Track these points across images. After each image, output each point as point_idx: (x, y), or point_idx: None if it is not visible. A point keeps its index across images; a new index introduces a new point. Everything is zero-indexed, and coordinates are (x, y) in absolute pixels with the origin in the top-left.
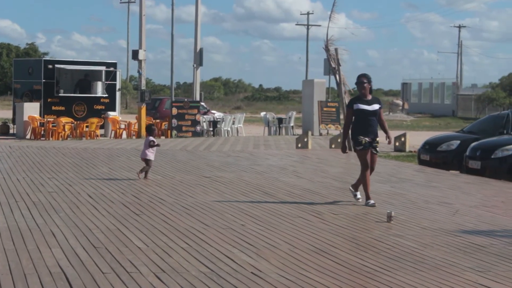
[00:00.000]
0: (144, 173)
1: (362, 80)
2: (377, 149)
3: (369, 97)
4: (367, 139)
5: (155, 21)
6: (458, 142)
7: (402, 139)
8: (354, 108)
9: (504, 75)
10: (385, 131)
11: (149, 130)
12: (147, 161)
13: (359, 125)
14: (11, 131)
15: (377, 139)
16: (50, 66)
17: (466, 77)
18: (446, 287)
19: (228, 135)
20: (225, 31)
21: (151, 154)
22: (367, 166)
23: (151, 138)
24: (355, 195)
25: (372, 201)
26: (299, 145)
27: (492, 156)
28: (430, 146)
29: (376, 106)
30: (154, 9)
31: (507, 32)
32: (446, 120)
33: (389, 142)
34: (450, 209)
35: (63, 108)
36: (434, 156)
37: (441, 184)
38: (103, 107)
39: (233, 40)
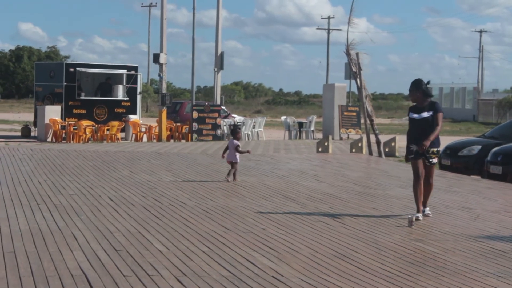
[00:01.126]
0: (232, 175)
1: (410, 88)
2: (432, 160)
3: (424, 103)
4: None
5: (176, 25)
6: (479, 147)
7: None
8: (408, 117)
9: None
10: (426, 136)
11: (233, 132)
12: (232, 164)
13: (411, 134)
14: (32, 134)
15: (435, 149)
16: (72, 69)
17: (488, 82)
18: None
19: (248, 139)
20: (246, 35)
21: (238, 156)
22: (416, 176)
23: (236, 142)
24: (423, 211)
25: (418, 215)
26: (320, 149)
27: None
28: (451, 151)
29: (424, 114)
30: (175, 13)
31: None
32: (467, 125)
33: (420, 148)
34: (471, 214)
35: (84, 111)
36: (455, 161)
37: (462, 189)
38: (124, 110)
39: (254, 44)
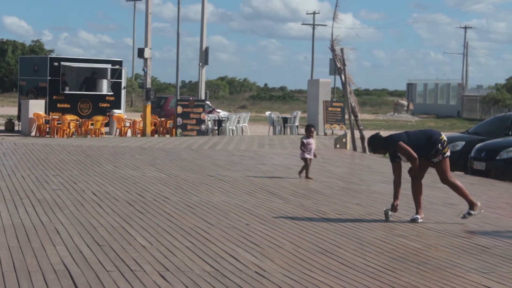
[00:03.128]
0: (304, 172)
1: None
2: (434, 160)
3: (391, 150)
4: None
5: (162, 19)
6: (463, 143)
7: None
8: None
9: (511, 76)
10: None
11: (307, 130)
12: (304, 160)
13: None
14: (16, 128)
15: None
16: (56, 64)
17: (473, 78)
18: None
19: (233, 134)
20: (232, 30)
21: (306, 153)
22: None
23: (304, 139)
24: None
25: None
26: None
27: (497, 157)
28: None
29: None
30: (161, 8)
31: None
32: (451, 121)
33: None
34: (455, 210)
35: (68, 106)
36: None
37: (446, 186)
38: (108, 105)
39: (239, 39)
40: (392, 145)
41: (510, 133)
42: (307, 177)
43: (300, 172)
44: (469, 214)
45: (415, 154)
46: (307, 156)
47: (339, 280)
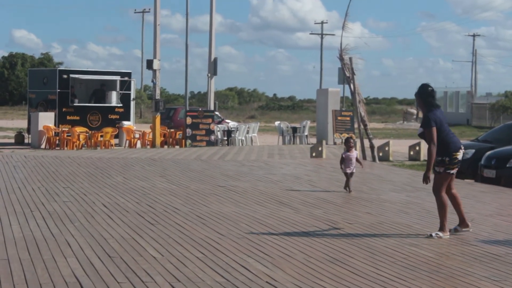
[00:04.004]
0: (347, 187)
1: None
2: (436, 168)
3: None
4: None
5: (170, 30)
6: (473, 151)
7: (417, 148)
8: None
9: None
10: None
11: (344, 143)
12: (345, 174)
13: None
14: (26, 140)
15: (439, 158)
16: (65, 76)
17: (482, 86)
18: None
19: (242, 144)
20: (241, 41)
21: (346, 167)
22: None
23: (344, 154)
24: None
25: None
26: (314, 154)
27: (507, 165)
28: None
29: (420, 129)
30: (169, 19)
31: None
32: (460, 128)
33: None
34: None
35: (77, 118)
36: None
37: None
38: (118, 117)
39: (248, 49)
40: (424, 119)
41: None
42: (349, 191)
43: (345, 187)
44: (437, 235)
45: (436, 143)
46: (347, 170)
47: None
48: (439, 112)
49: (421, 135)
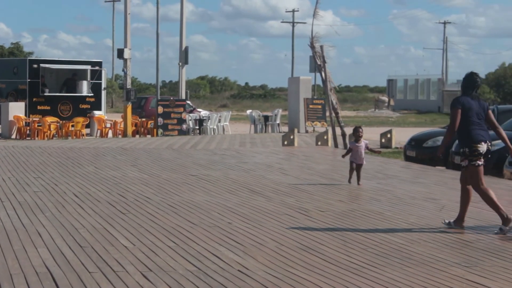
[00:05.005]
0: (353, 178)
1: None
2: (462, 163)
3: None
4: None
5: (141, 19)
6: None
7: (388, 135)
8: None
9: (491, 71)
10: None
11: (353, 132)
12: (350, 164)
13: None
14: None
15: (460, 150)
16: (35, 66)
17: (453, 73)
18: (433, 283)
19: (214, 133)
20: (213, 29)
21: (354, 159)
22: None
23: (351, 145)
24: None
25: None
26: (285, 143)
27: (424, 145)
28: (416, 143)
29: None
30: (140, 8)
31: (494, 27)
32: (432, 116)
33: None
34: (437, 204)
35: (48, 108)
36: (420, 152)
37: (428, 180)
38: (89, 106)
39: (220, 38)
40: (452, 103)
41: (490, 128)
42: (349, 181)
43: (349, 179)
44: (501, 230)
45: (456, 125)
46: (357, 162)
47: (322, 277)
48: (474, 102)
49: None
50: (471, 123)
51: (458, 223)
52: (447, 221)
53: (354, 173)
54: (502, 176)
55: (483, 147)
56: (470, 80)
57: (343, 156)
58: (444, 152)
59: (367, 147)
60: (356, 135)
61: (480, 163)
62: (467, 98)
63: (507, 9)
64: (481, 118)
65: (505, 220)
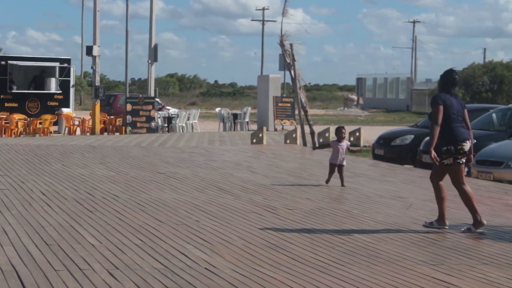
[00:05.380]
0: (329, 180)
1: None
2: (445, 161)
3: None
4: None
5: (111, 16)
6: (412, 136)
7: (357, 134)
8: None
9: (460, 70)
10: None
11: (335, 132)
12: (331, 166)
13: None
14: None
15: (443, 148)
16: (3, 63)
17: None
18: (399, 281)
19: (183, 131)
20: (182, 27)
21: (333, 159)
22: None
23: (347, 143)
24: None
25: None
26: (254, 141)
27: (392, 144)
28: (384, 141)
29: None
30: (110, 5)
31: (463, 27)
32: (400, 114)
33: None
34: (404, 203)
35: (16, 105)
36: (388, 150)
37: (395, 179)
38: (57, 104)
39: (189, 35)
40: (432, 100)
41: None
42: (327, 183)
43: (327, 180)
44: (469, 230)
45: (439, 122)
46: (335, 162)
47: (289, 275)
48: (454, 100)
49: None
50: (453, 120)
51: (441, 222)
52: (428, 222)
53: (335, 174)
54: (470, 175)
55: (467, 145)
56: (449, 77)
57: (316, 148)
58: (434, 156)
59: (348, 148)
60: (339, 135)
61: (464, 160)
62: (447, 95)
63: (476, 8)
64: (460, 116)
65: (477, 223)
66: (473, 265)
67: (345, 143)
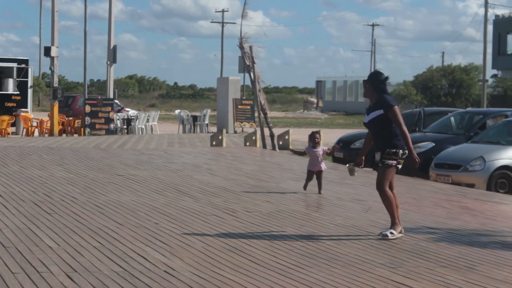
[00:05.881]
0: (306, 187)
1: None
2: (386, 161)
3: (373, 101)
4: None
5: (70, 17)
6: None
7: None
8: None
9: (418, 73)
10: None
11: (312, 137)
12: (308, 173)
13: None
14: None
15: (392, 150)
16: None
17: None
18: (358, 284)
19: (142, 133)
20: (142, 28)
21: (311, 165)
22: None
23: (307, 150)
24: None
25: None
26: (214, 143)
27: (351, 146)
28: (344, 144)
29: (372, 114)
30: (69, 6)
31: (422, 30)
32: (360, 117)
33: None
34: (363, 206)
35: None
36: (348, 153)
37: (354, 181)
38: (15, 105)
39: (149, 37)
40: (385, 105)
41: (417, 129)
42: (319, 191)
43: (304, 186)
44: (385, 235)
45: (402, 121)
46: (313, 169)
47: (248, 278)
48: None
49: (372, 122)
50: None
51: (398, 228)
52: (383, 233)
53: (313, 181)
54: (428, 178)
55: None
56: (381, 78)
57: (294, 153)
58: (417, 160)
59: (326, 153)
60: (313, 141)
61: (400, 166)
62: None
63: (435, 13)
64: None
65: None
66: (431, 268)
67: (321, 149)
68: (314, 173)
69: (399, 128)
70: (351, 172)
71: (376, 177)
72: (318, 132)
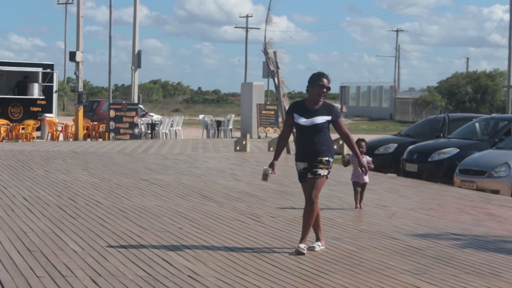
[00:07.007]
0: (359, 202)
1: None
2: (317, 171)
3: (319, 103)
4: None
5: (95, 22)
6: (396, 145)
7: (340, 142)
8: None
9: (443, 79)
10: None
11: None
12: (353, 184)
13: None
14: None
15: (324, 159)
16: None
17: (405, 80)
18: None
19: (166, 138)
20: (166, 33)
21: (355, 177)
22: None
23: (368, 158)
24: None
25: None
26: (238, 148)
27: (429, 159)
28: (367, 150)
29: (318, 119)
30: (94, 11)
31: (447, 36)
32: (383, 123)
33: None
34: (387, 211)
35: None
36: (372, 159)
37: (379, 187)
38: (40, 109)
39: (174, 42)
40: (336, 112)
41: (441, 135)
42: (357, 206)
43: (356, 203)
44: (319, 245)
45: None
46: (356, 180)
47: (272, 283)
48: None
49: (314, 127)
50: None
51: (322, 242)
52: (311, 246)
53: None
54: (453, 184)
55: None
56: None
57: (345, 164)
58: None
59: (369, 166)
60: (359, 149)
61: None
62: None
63: (460, 18)
64: None
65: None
66: (456, 275)
67: (365, 159)
68: (359, 185)
69: (348, 136)
70: (265, 177)
71: (308, 188)
72: (363, 140)
